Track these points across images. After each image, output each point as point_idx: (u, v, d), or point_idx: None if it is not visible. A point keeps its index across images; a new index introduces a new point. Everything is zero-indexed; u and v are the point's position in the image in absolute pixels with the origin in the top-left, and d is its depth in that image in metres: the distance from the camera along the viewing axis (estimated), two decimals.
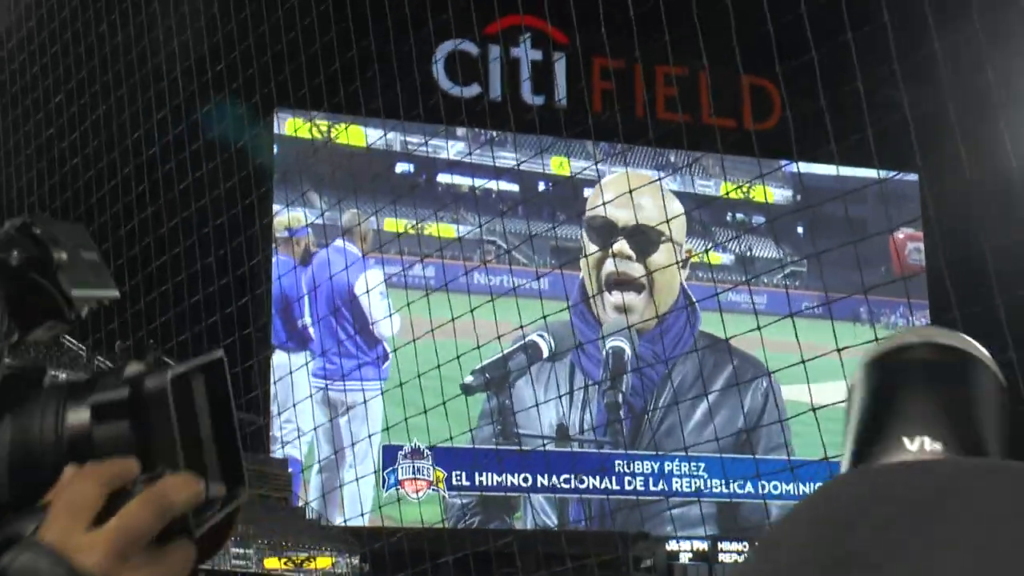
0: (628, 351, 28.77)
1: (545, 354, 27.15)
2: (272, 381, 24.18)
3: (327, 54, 11.72)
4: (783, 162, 22.99)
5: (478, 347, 10.48)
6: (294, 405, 14.47)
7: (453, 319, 10.28)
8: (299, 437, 21.54)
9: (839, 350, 7.59)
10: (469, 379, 24.83)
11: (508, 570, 14.24)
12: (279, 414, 23.09)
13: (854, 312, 24.06)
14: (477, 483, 29.20)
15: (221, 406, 1.22)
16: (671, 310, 28.89)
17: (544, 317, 10.47)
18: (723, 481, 28.45)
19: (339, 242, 23.15)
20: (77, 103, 12.41)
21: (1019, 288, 7.80)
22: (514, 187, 29.15)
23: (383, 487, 27.41)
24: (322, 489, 25.60)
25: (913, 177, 25.83)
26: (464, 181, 28.83)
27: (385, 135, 22.73)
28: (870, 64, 8.37)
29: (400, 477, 28.33)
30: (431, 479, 28.73)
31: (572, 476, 29.16)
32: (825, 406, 7.53)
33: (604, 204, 14.06)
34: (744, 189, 26.75)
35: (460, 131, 28.78)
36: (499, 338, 11.05)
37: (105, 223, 11.96)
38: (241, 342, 13.02)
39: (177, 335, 12.28)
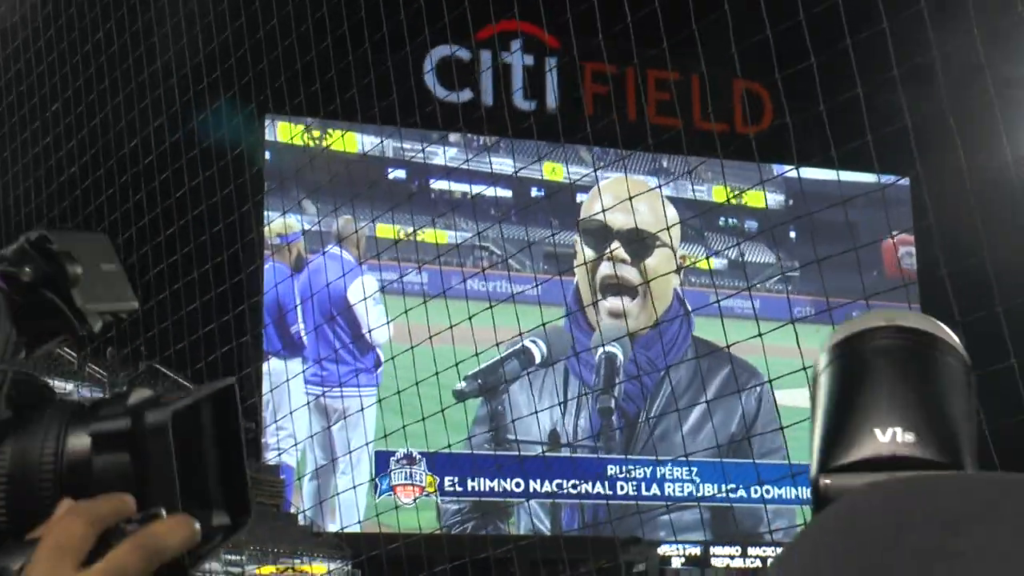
0: (621, 357, 28.74)
1: (538, 360, 27.10)
2: (269, 388, 24.09)
3: (320, 61, 11.73)
4: (785, 168, 22.95)
5: (476, 354, 10.48)
6: (291, 413, 14.42)
7: (452, 326, 10.28)
8: (295, 445, 21.47)
9: None
10: (462, 385, 24.78)
11: None
12: (275, 421, 23.07)
13: (847, 317, 24.01)
14: (470, 489, 29.14)
15: (229, 433, 1.21)
16: (666, 316, 28.87)
17: (543, 324, 10.48)
18: (716, 486, 28.43)
19: (335, 249, 23.12)
20: (74, 112, 12.40)
21: (1018, 294, 7.81)
22: (507, 193, 29.14)
23: (376, 493, 27.33)
24: (316, 496, 25.53)
25: (905, 182, 25.86)
26: (458, 187, 28.80)
27: (383, 142, 22.73)
28: (867, 68, 8.38)
29: (393, 483, 28.25)
30: (423, 485, 28.66)
31: (565, 481, 29.12)
32: None
33: (604, 211, 14.02)
34: (732, 194, 26.74)
35: (453, 137, 28.76)
36: (497, 345, 11.04)
37: (104, 230, 11.92)
38: (236, 350, 12.98)
39: (175, 343, 12.28)
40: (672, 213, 25.35)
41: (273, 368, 24.79)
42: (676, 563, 29.08)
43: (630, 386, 29.47)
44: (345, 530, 24.45)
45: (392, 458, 27.93)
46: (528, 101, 30.04)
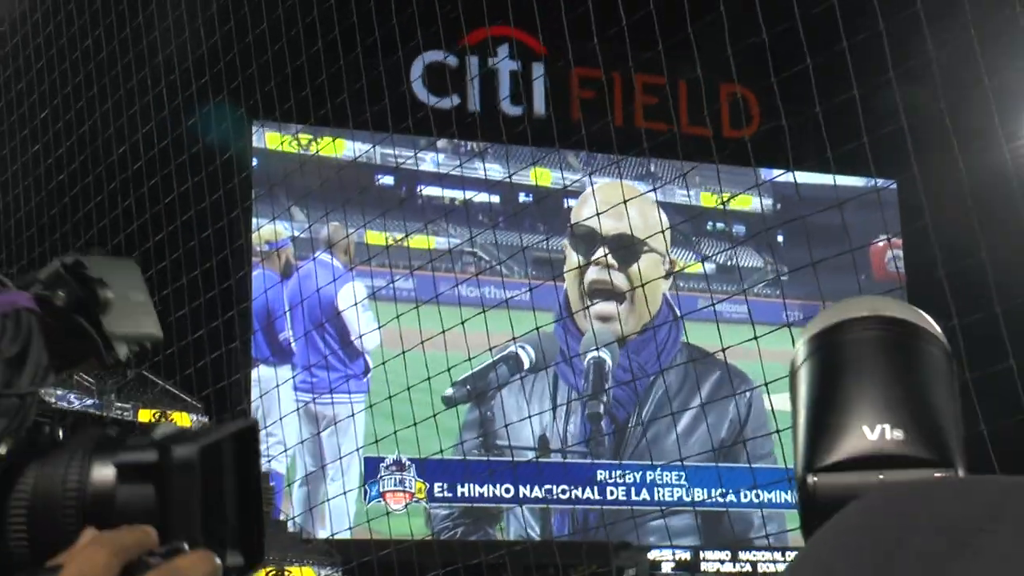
0: (609, 362, 28.75)
1: (526, 366, 27.12)
2: (258, 395, 24.05)
3: (308, 67, 11.72)
4: (775, 172, 22.97)
5: (469, 359, 10.47)
6: (280, 419, 14.40)
7: (444, 331, 10.27)
8: (284, 452, 21.44)
9: None
10: (450, 391, 24.78)
11: None
12: (264, 428, 22.98)
13: None
14: (459, 495, 29.11)
15: (248, 473, 1.20)
16: (654, 321, 28.87)
17: (537, 329, 10.48)
18: (705, 490, 28.45)
19: (324, 256, 23.10)
20: (63, 119, 12.37)
21: (1017, 295, 7.82)
22: (495, 198, 29.14)
23: (365, 500, 27.30)
24: (305, 502, 25.50)
25: (892, 185, 25.93)
26: (446, 193, 28.79)
27: (374, 147, 22.71)
28: (860, 71, 8.39)
29: (383, 489, 28.21)
30: (413, 491, 28.63)
31: (555, 486, 29.12)
32: None
33: (598, 215, 14.01)
34: (724, 198, 26.74)
35: (440, 142, 28.76)
36: (490, 350, 11.04)
37: (92, 238, 11.91)
38: (225, 356, 12.97)
39: (163, 349, 12.22)
40: (663, 218, 25.39)
41: (262, 375, 24.75)
42: (666, 568, 29.11)
43: (619, 391, 29.48)
44: (335, 536, 24.36)
45: (382, 464, 27.90)
46: (515, 106, 30.05)
